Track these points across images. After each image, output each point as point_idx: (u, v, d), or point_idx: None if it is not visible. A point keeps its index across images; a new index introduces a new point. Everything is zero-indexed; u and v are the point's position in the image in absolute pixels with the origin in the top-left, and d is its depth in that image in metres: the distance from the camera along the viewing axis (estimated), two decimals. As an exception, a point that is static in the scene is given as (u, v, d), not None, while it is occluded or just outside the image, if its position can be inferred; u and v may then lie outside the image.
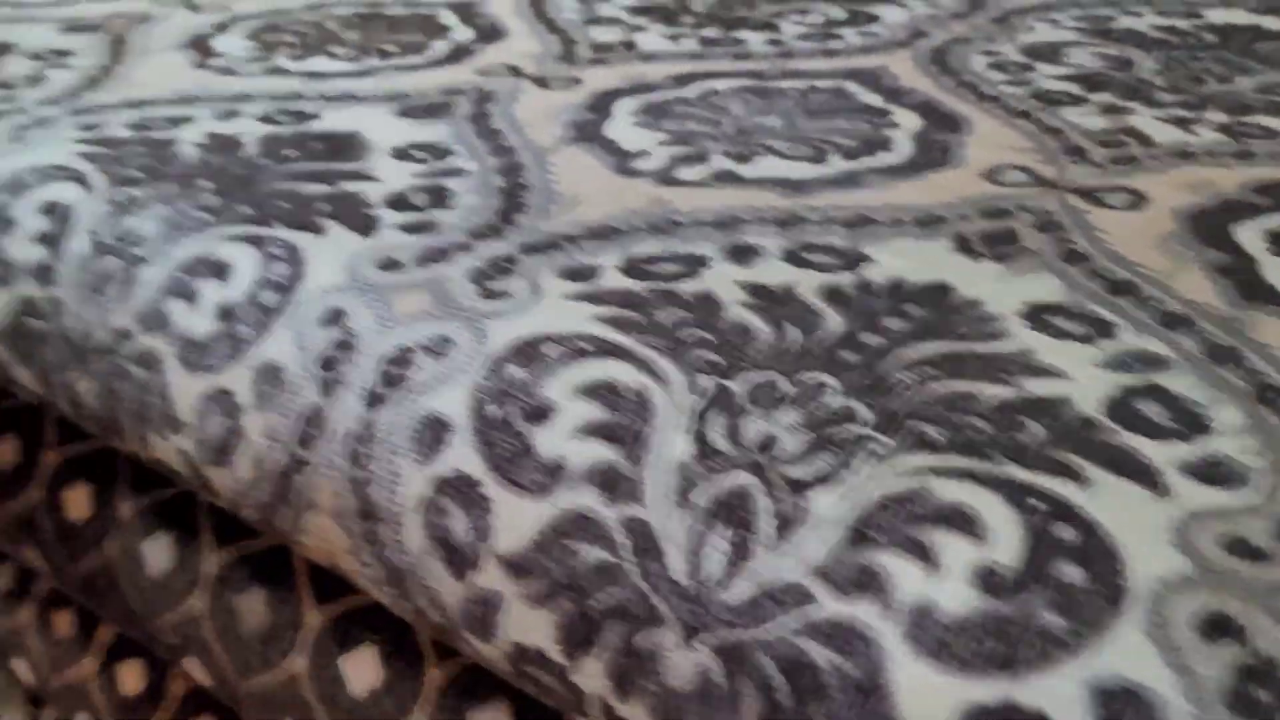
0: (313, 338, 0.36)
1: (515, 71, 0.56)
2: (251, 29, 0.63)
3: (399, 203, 0.42)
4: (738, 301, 0.35)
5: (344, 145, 0.47)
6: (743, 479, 0.29)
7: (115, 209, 0.43)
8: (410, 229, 0.40)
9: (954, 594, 0.25)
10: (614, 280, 0.37)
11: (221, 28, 0.63)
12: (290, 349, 0.36)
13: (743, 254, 0.38)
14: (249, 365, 0.37)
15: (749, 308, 0.35)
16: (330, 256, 0.38)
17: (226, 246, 0.40)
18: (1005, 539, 0.26)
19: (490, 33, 0.62)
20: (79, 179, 0.45)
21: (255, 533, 0.44)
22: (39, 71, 0.56)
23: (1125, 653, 0.24)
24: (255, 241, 0.39)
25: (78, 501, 0.49)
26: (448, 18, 0.65)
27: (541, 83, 0.55)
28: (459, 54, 0.59)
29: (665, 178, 0.44)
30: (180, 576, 0.45)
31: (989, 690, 0.24)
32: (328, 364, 0.35)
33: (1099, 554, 0.26)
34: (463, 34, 0.62)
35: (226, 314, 0.38)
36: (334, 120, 0.49)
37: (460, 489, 0.32)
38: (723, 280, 0.37)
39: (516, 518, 0.30)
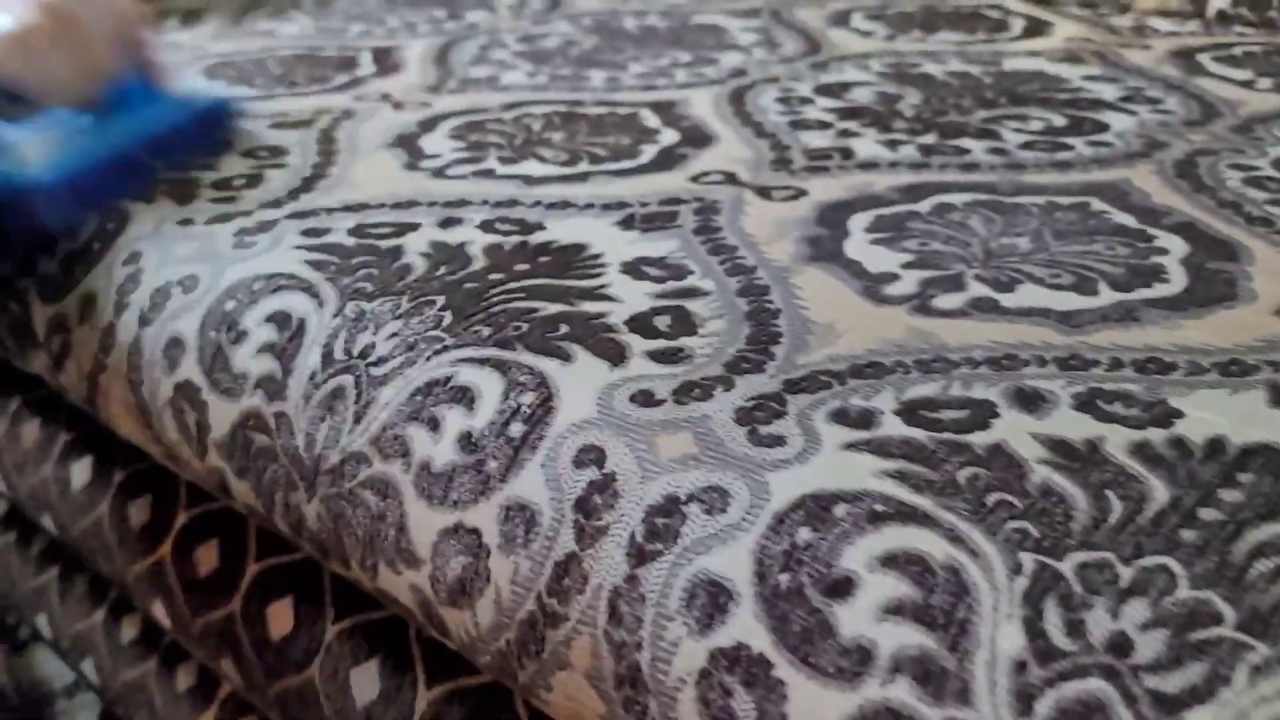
0: (568, 478, 0.34)
1: (733, 179, 0.54)
2: (455, 128, 0.63)
3: (644, 327, 0.39)
4: (1039, 459, 0.32)
5: (573, 258, 0.45)
6: (1096, 686, 0.25)
7: (347, 323, 0.42)
8: (661, 357, 0.37)
9: None
10: (894, 427, 0.33)
11: (426, 126, 0.63)
12: (542, 488, 0.34)
13: (1030, 401, 0.35)
14: (497, 503, 0.34)
15: (1055, 468, 0.31)
16: (581, 387, 0.36)
17: (468, 370, 0.38)
18: None
19: (697, 136, 0.60)
20: (308, 289, 0.44)
21: (472, 666, 0.41)
22: (257, 170, 0.56)
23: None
24: (499, 367, 0.37)
25: (280, 617, 0.47)
26: (650, 119, 0.64)
27: (763, 193, 0.52)
28: (670, 159, 0.57)
29: (921, 306, 0.41)
30: (388, 710, 0.43)
31: None
32: (585, 509, 0.33)
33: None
34: (668, 136, 0.61)
35: (471, 444, 0.36)
36: (558, 230, 0.48)
37: (746, 666, 0.28)
38: (1016, 432, 0.33)
39: (817, 707, 0.27)
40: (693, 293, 0.42)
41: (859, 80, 0.71)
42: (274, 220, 0.50)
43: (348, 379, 0.40)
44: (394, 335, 0.40)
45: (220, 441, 0.43)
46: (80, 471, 0.57)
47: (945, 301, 0.41)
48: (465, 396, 0.37)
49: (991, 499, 0.30)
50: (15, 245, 0.51)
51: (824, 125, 0.62)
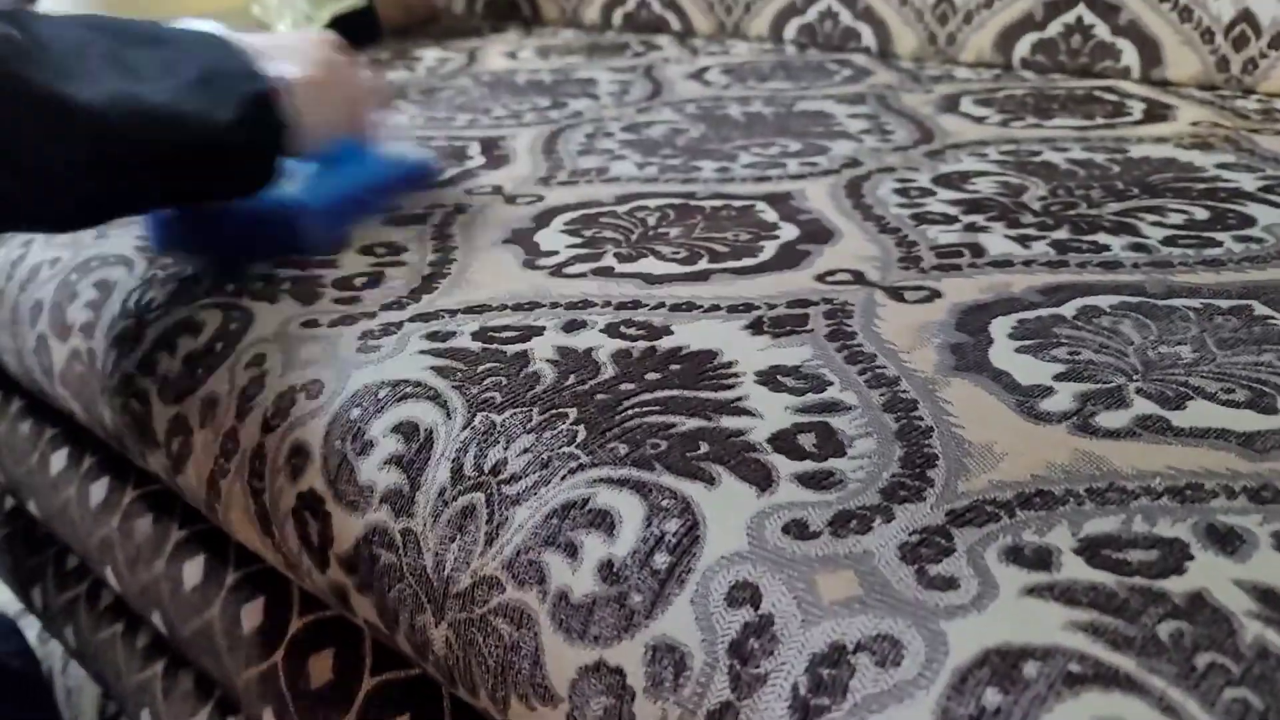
0: (720, 617, 0.31)
1: (862, 279, 0.52)
2: (569, 222, 0.62)
3: (788, 446, 0.37)
4: (1248, 613, 0.29)
5: (705, 366, 0.43)
6: None
7: (476, 436, 0.40)
8: (811, 482, 0.35)
9: None
10: (1077, 569, 0.31)
11: (540, 221, 0.62)
12: (692, 628, 0.32)
13: (1226, 540, 0.32)
14: (642, 641, 0.32)
15: (1267, 623, 0.28)
16: (728, 514, 0.34)
17: (606, 492, 0.36)
18: None
19: (818, 231, 0.59)
20: (435, 398, 0.43)
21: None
22: (376, 268, 0.56)
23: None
24: (639, 489, 0.36)
25: (395, 737, 0.45)
26: (767, 212, 0.62)
27: (895, 294, 0.50)
28: (793, 256, 0.55)
29: (1083, 424, 0.38)
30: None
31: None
32: (741, 653, 0.31)
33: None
34: (788, 231, 0.59)
35: (613, 575, 0.34)
36: (686, 335, 0.46)
37: (933, 847, 0.26)
38: (1216, 578, 0.30)
39: None
40: (835, 407, 0.40)
41: (979, 170, 0.69)
42: (398, 322, 0.49)
43: (479, 497, 0.38)
44: (526, 451, 0.39)
45: (343, 555, 0.42)
46: (192, 571, 0.56)
47: (1109, 420, 0.39)
48: (605, 521, 0.35)
49: (1201, 660, 0.27)
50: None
51: (949, 219, 0.60)
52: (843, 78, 1.00)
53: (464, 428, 0.41)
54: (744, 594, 0.31)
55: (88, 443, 0.67)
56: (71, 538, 0.66)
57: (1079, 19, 0.96)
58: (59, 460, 0.72)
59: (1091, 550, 0.31)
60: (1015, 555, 0.31)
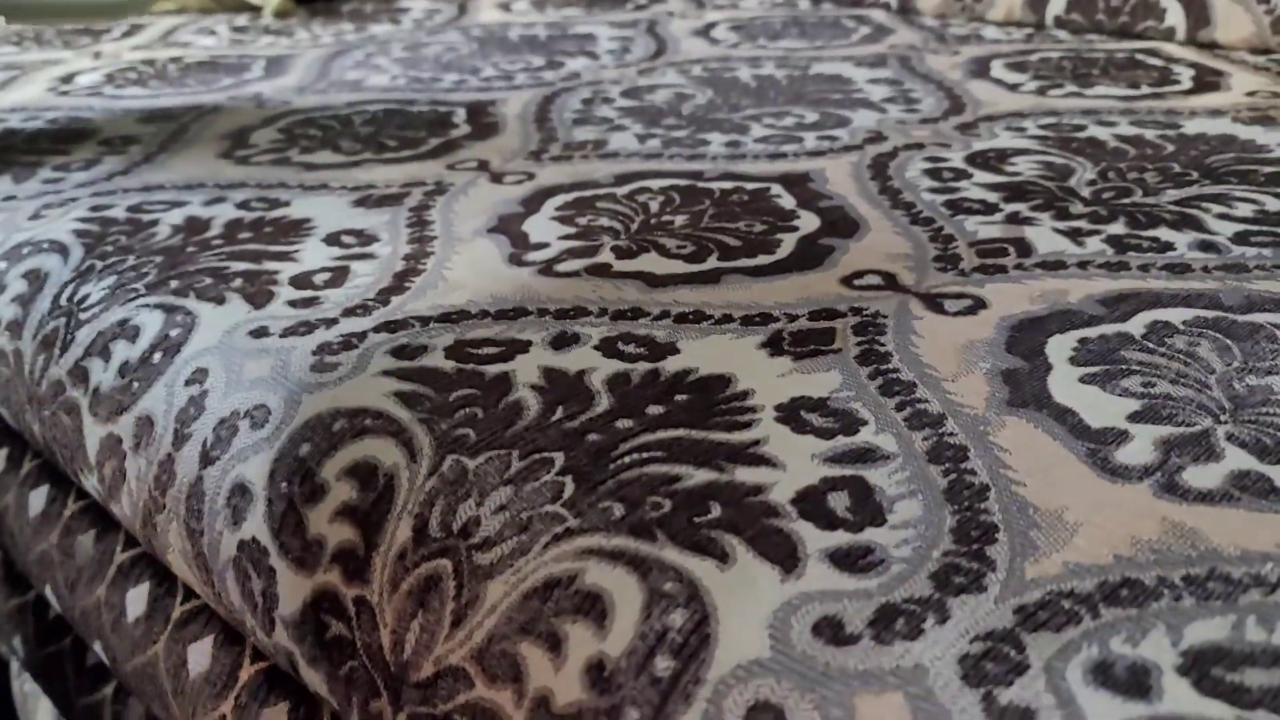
0: (736, 748, 0.25)
1: (893, 283, 0.46)
2: (562, 207, 0.55)
3: (816, 509, 0.31)
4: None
5: (716, 397, 0.37)
6: None
7: (445, 487, 0.34)
8: (844, 562, 0.29)
9: None
10: (1182, 697, 0.25)
11: (530, 205, 0.56)
12: (702, 758, 0.26)
13: (1363, 654, 0.26)
14: None
15: None
16: (745, 605, 0.28)
17: (597, 568, 0.30)
18: None
19: (841, 222, 0.52)
20: (398, 434, 0.36)
21: None
22: (342, 261, 0.49)
23: None
24: (637, 566, 0.29)
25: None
26: (783, 197, 0.55)
27: (933, 303, 0.44)
28: (814, 254, 0.48)
29: (1168, 483, 0.32)
30: None
31: None
32: (762, 798, 0.25)
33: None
34: (808, 222, 0.52)
35: (603, 681, 0.28)
36: (694, 355, 0.40)
37: None
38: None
39: None
40: (870, 455, 0.34)
41: (1017, 147, 0.62)
42: (360, 333, 0.42)
43: (445, 565, 0.32)
44: (502, 508, 0.32)
45: (289, 619, 0.36)
46: (136, 599, 0.50)
47: (1198, 477, 0.32)
48: (595, 607, 0.29)
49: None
50: None
51: (988, 208, 0.53)
52: (860, 36, 0.92)
53: (430, 474, 0.34)
54: (766, 719, 0.25)
55: (28, 446, 0.61)
56: (11, 548, 0.60)
57: (1121, -26, 0.88)
58: None
59: (1198, 669, 0.25)
60: (1105, 676, 0.25)
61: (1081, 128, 0.65)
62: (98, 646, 0.53)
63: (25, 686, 0.78)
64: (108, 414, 0.45)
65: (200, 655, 0.47)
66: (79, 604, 0.54)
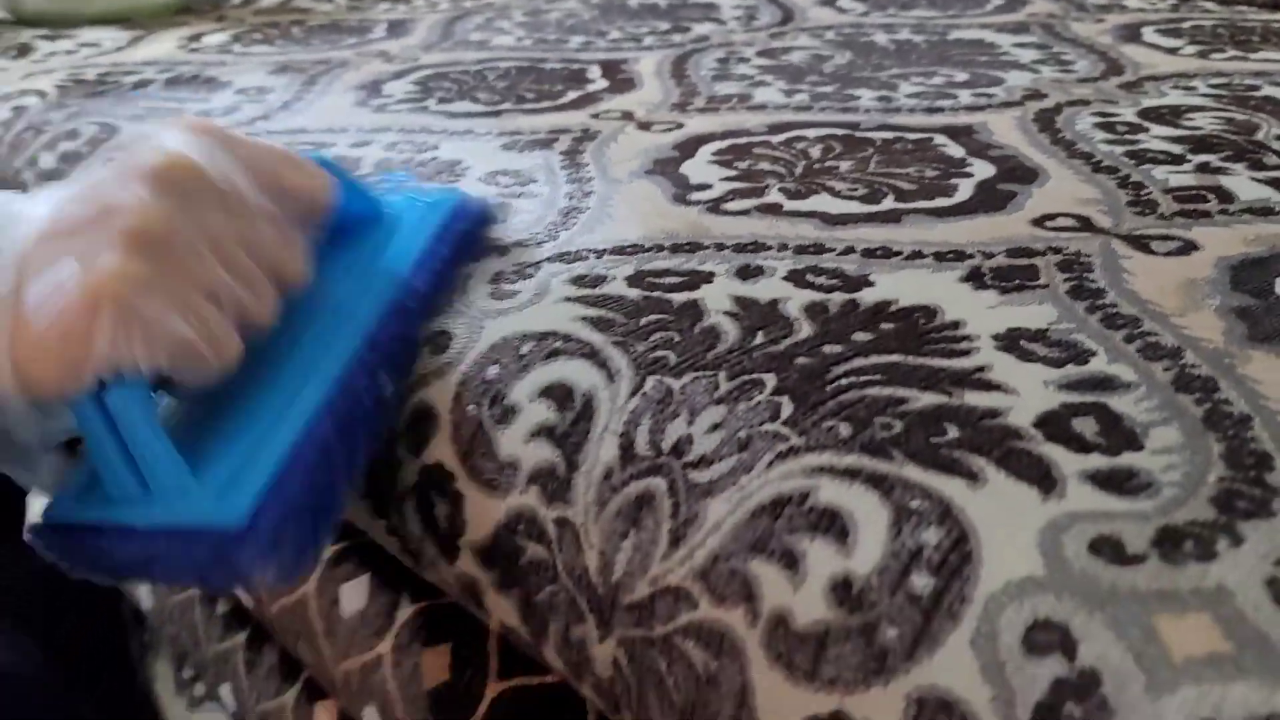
0: (1017, 669, 0.23)
1: (1089, 225, 0.43)
2: (719, 153, 0.53)
3: (1064, 433, 0.28)
4: None
5: (926, 327, 0.35)
6: None
7: (649, 405, 0.32)
8: (1108, 484, 0.27)
9: None
10: None
11: (685, 150, 0.54)
12: (977, 680, 0.23)
13: None
14: (902, 692, 0.24)
15: None
16: (1006, 523, 0.26)
17: (831, 485, 0.28)
18: None
19: (1017, 169, 0.49)
20: (592, 356, 0.35)
21: None
22: (501, 197, 0.48)
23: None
24: (877, 484, 0.27)
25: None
26: (949, 146, 0.53)
27: (1139, 244, 0.41)
28: (997, 198, 0.46)
29: None
30: None
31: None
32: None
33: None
34: (982, 169, 0.50)
35: (853, 599, 0.26)
36: (891, 287, 0.38)
37: None
38: None
39: None
40: (1109, 384, 0.31)
41: (1192, 104, 0.59)
42: (536, 263, 0.41)
43: (658, 483, 0.30)
44: (717, 427, 0.31)
45: (478, 545, 0.34)
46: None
47: None
48: (834, 525, 0.27)
49: None
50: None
51: (1174, 159, 0.50)
52: (995, 6, 0.89)
53: (632, 394, 0.33)
54: (1050, 638, 0.23)
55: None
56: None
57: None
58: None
59: None
60: None
61: (1256, 87, 0.62)
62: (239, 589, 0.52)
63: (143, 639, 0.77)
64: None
65: (355, 595, 0.45)
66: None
